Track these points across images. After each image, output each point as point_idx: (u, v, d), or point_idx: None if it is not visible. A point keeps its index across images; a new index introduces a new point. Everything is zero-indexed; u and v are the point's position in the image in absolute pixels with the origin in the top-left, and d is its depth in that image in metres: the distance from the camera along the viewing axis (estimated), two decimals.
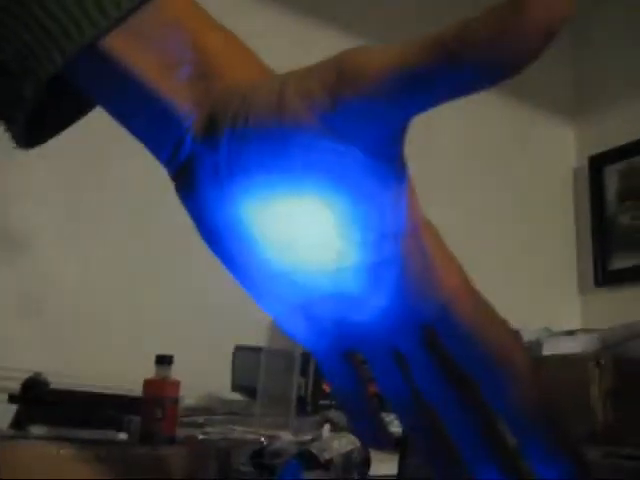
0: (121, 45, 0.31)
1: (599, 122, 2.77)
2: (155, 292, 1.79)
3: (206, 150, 0.30)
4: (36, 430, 1.02)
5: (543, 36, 0.23)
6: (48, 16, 0.30)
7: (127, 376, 1.37)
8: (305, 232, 0.30)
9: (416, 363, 0.33)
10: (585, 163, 2.75)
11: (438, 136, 2.47)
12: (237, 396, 1.50)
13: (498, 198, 2.56)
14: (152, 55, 0.31)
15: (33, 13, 0.30)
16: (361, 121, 0.27)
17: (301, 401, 1.24)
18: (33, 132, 0.36)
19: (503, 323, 0.32)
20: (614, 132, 2.66)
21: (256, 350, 1.34)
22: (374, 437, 0.37)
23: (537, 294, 2.51)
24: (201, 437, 1.02)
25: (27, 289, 1.68)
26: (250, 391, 1.37)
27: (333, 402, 1.21)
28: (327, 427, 1.03)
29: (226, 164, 0.29)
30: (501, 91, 2.63)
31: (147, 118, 0.32)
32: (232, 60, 0.32)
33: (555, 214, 2.73)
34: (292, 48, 2.05)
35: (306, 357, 1.24)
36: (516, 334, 0.32)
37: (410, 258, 0.31)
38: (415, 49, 0.25)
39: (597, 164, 2.70)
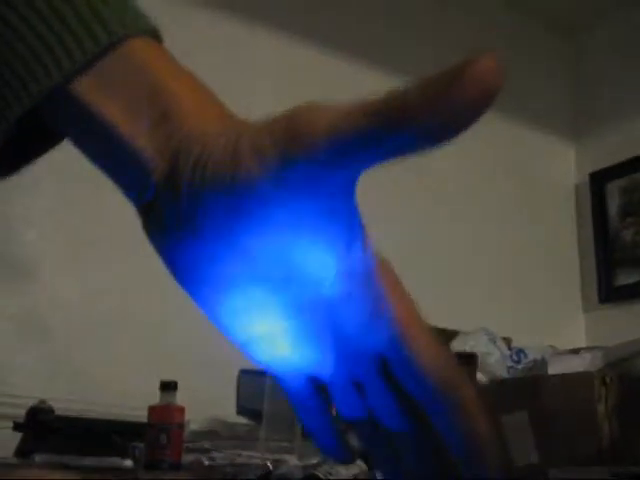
0: (87, 89, 0.32)
1: (599, 139, 2.78)
2: (159, 317, 1.79)
3: (167, 198, 0.31)
4: (40, 458, 1.02)
5: (477, 106, 0.25)
6: (16, 59, 0.31)
7: (132, 401, 1.37)
8: (265, 272, 0.32)
9: (372, 391, 0.35)
10: (586, 180, 2.75)
11: (439, 157, 2.47)
12: (243, 420, 1.49)
13: (500, 218, 2.56)
14: (117, 100, 0.32)
15: (3, 56, 0.31)
16: (309, 177, 0.28)
17: None
18: (6, 162, 0.37)
19: (450, 357, 0.34)
20: (614, 148, 2.66)
21: (261, 373, 1.33)
22: (337, 452, 0.39)
23: (541, 312, 2.51)
24: (207, 463, 1.02)
25: (30, 315, 1.68)
26: (255, 414, 1.36)
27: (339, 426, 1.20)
28: None
29: (185, 213, 0.31)
30: (500, 111, 2.64)
31: (113, 160, 0.33)
32: (194, 106, 0.33)
33: (557, 232, 2.73)
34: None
35: None
36: (469, 362, 0.33)
37: (363, 294, 0.32)
38: (359, 114, 0.27)
39: (598, 181, 2.71)
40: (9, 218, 1.71)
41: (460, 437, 0.32)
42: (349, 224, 0.31)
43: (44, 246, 1.74)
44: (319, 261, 0.31)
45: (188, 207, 0.30)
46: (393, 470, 0.38)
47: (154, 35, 0.35)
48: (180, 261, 0.33)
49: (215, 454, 1.10)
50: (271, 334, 0.34)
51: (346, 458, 0.39)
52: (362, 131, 0.27)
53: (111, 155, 0.33)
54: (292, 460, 0.97)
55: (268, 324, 0.33)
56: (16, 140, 0.35)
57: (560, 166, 2.84)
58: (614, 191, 2.65)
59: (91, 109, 0.32)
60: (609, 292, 2.60)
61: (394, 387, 0.35)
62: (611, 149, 2.68)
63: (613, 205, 2.65)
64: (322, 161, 0.28)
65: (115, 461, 1.01)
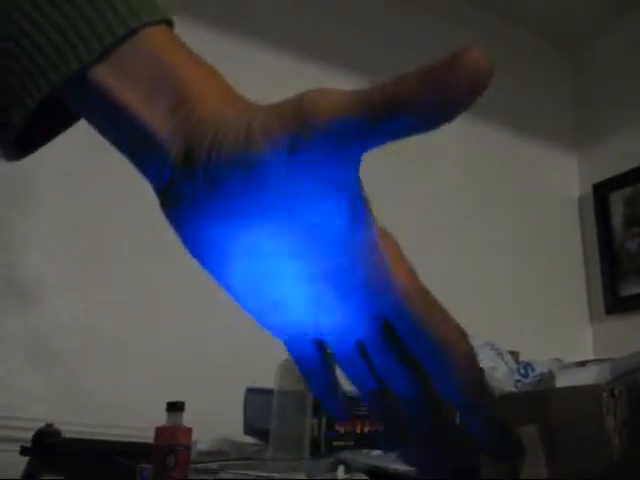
0: (106, 76, 0.34)
1: (601, 150, 2.78)
2: (164, 337, 1.79)
3: (184, 177, 0.33)
4: None
5: (471, 90, 0.27)
6: (35, 48, 0.33)
7: (139, 422, 1.37)
8: (277, 246, 0.34)
9: (376, 351, 0.38)
10: (590, 191, 2.75)
11: (442, 171, 2.47)
12: (250, 439, 1.49)
13: (504, 231, 2.56)
14: (135, 87, 0.34)
15: (21, 45, 0.33)
16: (317, 157, 0.30)
17: (314, 442, 1.23)
18: (22, 145, 0.39)
19: (449, 318, 0.37)
20: (617, 159, 2.66)
21: (267, 392, 1.33)
22: (339, 412, 0.41)
23: (548, 324, 2.50)
24: None
25: (35, 338, 1.68)
26: (263, 433, 1.36)
27: (347, 443, 1.20)
28: (341, 469, 1.02)
29: (202, 192, 0.33)
30: (501, 124, 2.65)
31: (132, 143, 0.35)
32: (207, 90, 0.35)
33: (562, 244, 2.73)
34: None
35: None
36: (460, 327, 0.36)
37: (367, 261, 0.35)
38: (362, 98, 0.29)
39: (602, 192, 2.71)
40: (11, 242, 1.71)
41: (456, 389, 0.35)
42: (354, 196, 0.33)
43: (47, 269, 1.74)
44: (327, 231, 0.33)
45: (204, 186, 0.32)
46: (392, 433, 0.40)
47: (168, 23, 0.37)
48: (196, 237, 0.35)
49: (223, 475, 1.09)
50: (281, 301, 0.36)
51: (341, 417, 0.42)
52: (364, 114, 0.29)
53: (130, 138, 0.35)
54: (301, 478, 0.96)
55: (278, 292, 0.36)
56: (32, 123, 0.37)
57: (563, 178, 2.84)
58: (618, 202, 2.65)
59: (110, 95, 0.34)
60: (616, 303, 2.59)
61: (398, 350, 0.37)
62: (614, 160, 2.68)
63: (617, 216, 2.64)
64: (328, 142, 0.30)
65: None
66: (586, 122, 2.86)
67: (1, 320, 1.66)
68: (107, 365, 1.71)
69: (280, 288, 0.36)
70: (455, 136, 2.50)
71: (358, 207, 0.34)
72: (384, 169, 2.01)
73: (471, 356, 0.35)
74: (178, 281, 1.79)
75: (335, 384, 0.41)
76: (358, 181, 0.33)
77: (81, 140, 1.89)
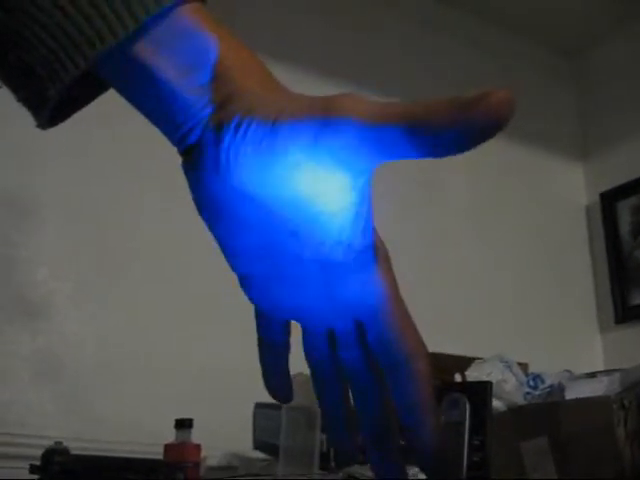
0: (144, 52, 0.36)
1: (607, 158, 2.77)
2: (172, 353, 1.79)
3: (211, 141, 0.35)
4: None
5: (489, 128, 0.30)
6: (72, 25, 0.34)
7: (147, 439, 1.36)
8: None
9: (345, 345, 0.40)
10: (597, 200, 2.75)
11: (449, 183, 2.47)
12: (260, 454, 1.48)
13: (512, 241, 2.56)
14: (171, 60, 0.36)
15: (58, 21, 0.34)
16: (336, 156, 0.33)
17: (324, 457, 1.22)
18: (55, 114, 0.40)
19: (416, 332, 0.38)
20: (623, 167, 2.66)
21: (276, 407, 1.32)
22: (280, 389, 0.44)
23: (557, 335, 2.49)
24: None
25: (44, 355, 1.69)
26: (272, 449, 1.35)
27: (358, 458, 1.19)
28: None
29: (225, 157, 0.34)
30: (508, 135, 2.65)
31: (165, 110, 0.37)
32: (241, 65, 0.37)
33: (570, 254, 2.72)
34: None
35: None
36: (425, 346, 0.38)
37: (359, 265, 0.37)
38: (389, 112, 0.31)
39: (609, 200, 2.70)
40: (18, 260, 1.72)
41: (409, 400, 0.37)
42: (362, 198, 0.35)
43: (54, 286, 1.74)
44: (328, 223, 0.35)
45: (226, 158, 0.34)
46: (336, 420, 0.43)
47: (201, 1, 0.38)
48: (208, 199, 0.36)
49: None
50: (270, 275, 0.38)
51: (285, 397, 0.44)
52: (388, 127, 0.31)
53: (163, 105, 0.37)
54: None
55: (271, 267, 0.38)
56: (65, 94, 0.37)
57: (570, 187, 2.83)
58: (625, 210, 2.64)
59: (149, 69, 0.36)
60: (625, 312, 2.58)
61: (365, 351, 0.40)
62: (620, 168, 2.68)
63: (625, 224, 2.64)
64: (349, 146, 0.32)
65: None
66: (592, 131, 2.86)
67: (10, 337, 1.66)
68: (115, 382, 1.71)
69: (274, 263, 0.37)
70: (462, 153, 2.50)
71: (363, 210, 0.36)
72: (392, 178, 2.01)
73: (430, 374, 0.38)
74: (186, 297, 1.80)
75: (286, 365, 0.43)
76: (368, 187, 0.36)
77: (88, 157, 1.90)
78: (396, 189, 2.19)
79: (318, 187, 0.34)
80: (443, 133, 0.30)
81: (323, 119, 0.32)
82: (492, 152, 2.61)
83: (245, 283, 0.39)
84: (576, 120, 2.89)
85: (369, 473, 1.11)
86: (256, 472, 1.34)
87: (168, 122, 0.37)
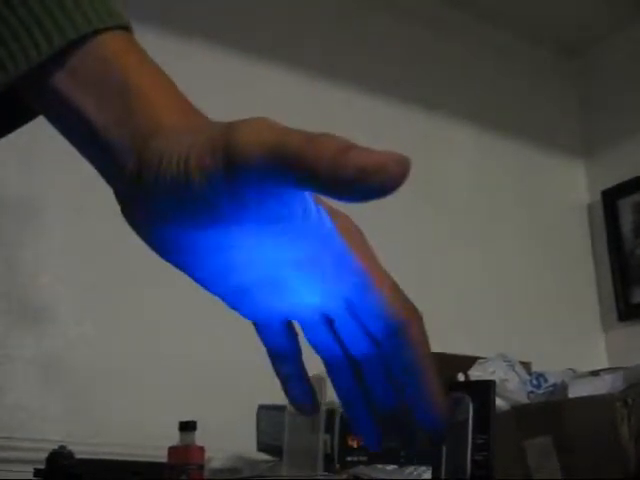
0: (60, 79, 0.34)
1: (609, 156, 2.77)
2: (177, 356, 1.79)
3: (138, 192, 0.34)
4: None
5: (368, 192, 0.29)
6: None
7: (152, 442, 1.36)
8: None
9: (343, 325, 0.40)
10: (598, 198, 2.75)
11: (452, 184, 2.47)
12: (264, 456, 1.48)
13: (514, 240, 2.56)
14: (89, 93, 0.35)
15: None
16: (245, 189, 0.31)
17: (328, 458, 1.22)
18: None
19: (405, 300, 0.39)
20: (625, 165, 2.66)
21: (280, 409, 1.33)
22: (305, 400, 0.42)
23: (561, 334, 2.49)
24: None
25: (48, 359, 1.69)
26: (276, 450, 1.35)
27: (361, 458, 1.19)
28: None
29: (154, 207, 0.34)
30: (508, 133, 2.65)
31: (90, 149, 0.36)
32: (159, 101, 0.35)
33: (573, 252, 2.72)
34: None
35: (331, 413, 1.23)
36: (416, 309, 0.39)
37: (326, 253, 0.37)
38: (284, 146, 0.30)
39: (610, 198, 2.70)
40: (22, 263, 1.72)
41: (407, 368, 0.38)
42: (299, 200, 0.34)
43: (59, 289, 1.75)
44: (277, 241, 0.35)
45: (155, 205, 0.33)
46: (354, 400, 0.42)
47: (126, 28, 0.37)
48: (154, 239, 0.36)
49: None
50: (250, 287, 0.38)
51: (311, 409, 0.43)
52: (276, 162, 0.30)
53: (88, 144, 0.36)
54: None
55: (246, 279, 0.37)
56: None
57: (572, 186, 2.83)
58: (627, 208, 2.64)
59: (66, 100, 0.34)
60: (628, 310, 2.58)
61: (357, 325, 0.40)
62: (621, 166, 2.67)
63: (626, 222, 2.63)
64: (253, 181, 0.31)
65: None
66: (593, 129, 2.86)
67: (15, 342, 1.66)
68: (120, 386, 1.71)
69: (248, 275, 0.37)
70: (463, 153, 2.50)
71: (304, 204, 0.34)
72: None
73: (425, 337, 0.38)
74: (190, 301, 1.80)
75: (303, 370, 0.42)
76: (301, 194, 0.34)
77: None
78: (397, 192, 2.18)
79: (249, 215, 0.33)
80: (320, 178, 0.29)
81: (224, 163, 0.31)
82: (493, 151, 2.61)
83: (234, 306, 0.39)
84: (577, 119, 2.89)
85: (374, 473, 1.11)
86: (260, 474, 1.34)
87: (97, 162, 0.36)
